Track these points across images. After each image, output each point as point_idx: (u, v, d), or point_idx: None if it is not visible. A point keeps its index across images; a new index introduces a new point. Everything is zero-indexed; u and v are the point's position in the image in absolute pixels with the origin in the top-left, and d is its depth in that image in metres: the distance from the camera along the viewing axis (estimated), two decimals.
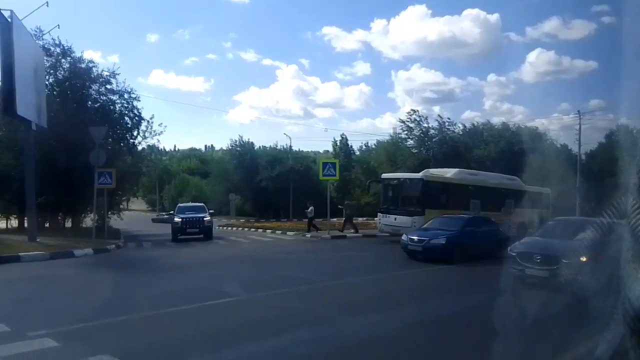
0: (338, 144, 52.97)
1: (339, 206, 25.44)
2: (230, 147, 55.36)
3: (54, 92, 22.01)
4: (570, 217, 12.63)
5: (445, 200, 19.39)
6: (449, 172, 21.51)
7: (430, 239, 13.67)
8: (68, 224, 25.17)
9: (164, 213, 55.27)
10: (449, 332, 6.68)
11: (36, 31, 20.83)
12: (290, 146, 53.81)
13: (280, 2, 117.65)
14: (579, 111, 37.58)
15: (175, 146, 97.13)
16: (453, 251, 13.39)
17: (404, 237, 14.47)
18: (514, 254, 10.00)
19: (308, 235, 22.21)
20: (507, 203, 22.26)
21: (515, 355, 5.73)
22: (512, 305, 7.12)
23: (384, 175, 22.17)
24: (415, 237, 13.97)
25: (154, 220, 45.73)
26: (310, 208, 23.82)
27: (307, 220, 24.21)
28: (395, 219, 18.93)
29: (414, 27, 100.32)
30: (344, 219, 24.30)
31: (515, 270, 9.73)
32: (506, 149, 38.76)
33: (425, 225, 15.46)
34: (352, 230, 23.32)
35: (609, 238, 7.69)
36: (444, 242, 13.43)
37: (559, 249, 9.23)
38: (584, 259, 8.06)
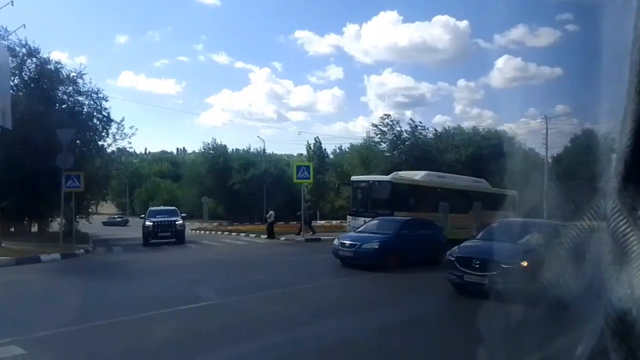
0: (312, 147, 53.05)
1: (297, 213, 24.98)
2: (202, 150, 54.83)
3: (20, 93, 21.39)
4: (514, 219, 12.47)
5: (414, 202, 19.29)
6: (417, 175, 21.56)
7: (361, 244, 12.61)
8: (34, 228, 24.48)
9: (115, 215, 54.08)
10: None
11: (1, 31, 20.25)
12: (264, 149, 53.61)
13: (252, 5, 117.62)
14: (545, 116, 38.59)
15: (146, 149, 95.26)
16: (387, 257, 12.37)
17: (335, 241, 13.50)
18: (452, 258, 9.32)
19: (281, 238, 22.27)
20: (475, 205, 22.35)
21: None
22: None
23: (354, 178, 22.08)
24: (346, 242, 12.99)
25: (104, 224, 44.62)
26: (270, 212, 24.07)
27: (266, 224, 24.22)
28: (364, 221, 18.60)
29: (385, 33, 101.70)
30: (301, 222, 24.25)
31: (453, 276, 9.19)
32: (476, 152, 39.56)
33: (360, 228, 14.70)
34: (310, 233, 23.43)
35: (553, 241, 7.94)
36: (376, 247, 12.43)
37: (499, 253, 8.83)
38: (524, 263, 8.13)
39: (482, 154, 39.24)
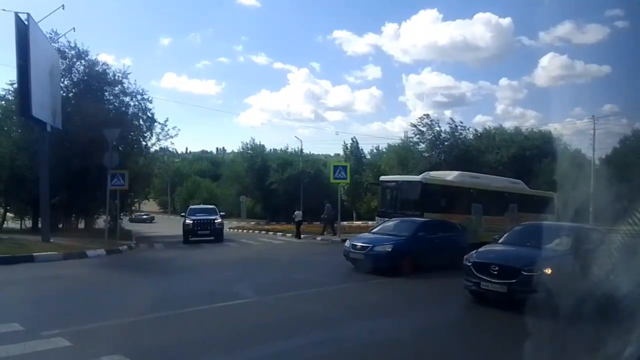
0: (349, 147, 52.84)
1: (295, 213, 25.00)
2: (241, 150, 55.57)
3: (69, 95, 22.28)
4: (541, 222, 11.53)
5: (445, 203, 18.66)
6: (449, 175, 20.91)
7: (373, 246, 11.77)
8: (81, 225, 25.42)
9: (142, 213, 54.66)
10: None
11: (52, 34, 21.13)
12: (301, 149, 53.93)
13: (291, 6, 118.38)
14: (593, 116, 37.19)
15: (187, 148, 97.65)
16: (401, 260, 11.57)
17: (347, 242, 12.79)
18: (469, 264, 8.52)
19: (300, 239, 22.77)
20: (511, 207, 21.46)
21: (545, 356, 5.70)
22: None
23: (383, 178, 21.41)
24: (358, 244, 12.13)
25: (131, 221, 45.35)
26: (296, 212, 24.32)
27: (294, 224, 24.48)
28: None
29: (425, 31, 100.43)
30: (323, 223, 24.63)
31: (469, 283, 8.42)
32: (518, 153, 38.49)
33: (374, 229, 13.97)
34: (332, 234, 23.58)
35: (582, 247, 7.47)
36: (389, 250, 11.57)
37: (520, 259, 8.14)
38: (547, 271, 7.61)
39: (525, 154, 38.17)
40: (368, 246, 11.81)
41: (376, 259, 11.56)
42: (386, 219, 17.01)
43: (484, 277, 8.08)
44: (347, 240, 13.04)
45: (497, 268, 7.99)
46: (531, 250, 8.57)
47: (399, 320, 7.55)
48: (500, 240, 9.78)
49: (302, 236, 23.35)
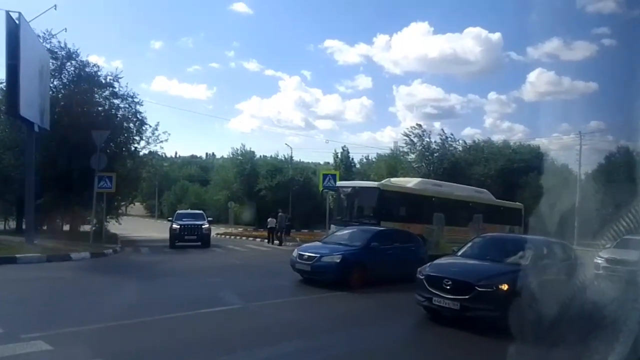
0: (339, 155, 53.03)
1: (268, 220, 25.19)
2: (231, 156, 55.48)
3: (58, 95, 22.12)
4: (504, 234, 11.25)
5: (404, 212, 17.83)
6: (410, 182, 20.19)
7: (321, 256, 10.85)
8: (66, 227, 25.12)
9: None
10: None
11: (45, 34, 21.01)
12: (291, 156, 53.90)
13: (284, 14, 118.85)
14: (580, 132, 37.70)
15: (176, 153, 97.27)
16: (350, 273, 10.67)
17: (294, 252, 11.78)
18: (421, 277, 7.87)
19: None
20: (475, 217, 20.77)
21: None
22: None
23: (339, 183, 20.23)
24: (305, 253, 11.18)
25: None
26: (270, 219, 24.80)
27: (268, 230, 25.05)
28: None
29: (415, 44, 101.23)
30: (278, 231, 24.67)
31: (422, 298, 7.77)
32: (506, 166, 38.88)
33: (325, 238, 13.15)
34: (277, 242, 23.82)
35: (544, 261, 7.49)
36: (338, 261, 10.64)
37: (475, 273, 7.61)
38: (503, 287, 7.16)
39: (513, 167, 38.55)
40: (315, 256, 10.92)
41: (323, 270, 10.70)
42: (340, 227, 16.17)
43: (436, 292, 7.47)
44: (295, 250, 12.01)
45: (450, 282, 7.38)
46: (490, 265, 8.11)
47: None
48: (459, 253, 9.19)
49: (276, 242, 23.88)
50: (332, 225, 18.00)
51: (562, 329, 6.62)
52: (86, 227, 23.34)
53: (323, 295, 10.02)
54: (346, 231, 13.00)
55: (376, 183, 19.05)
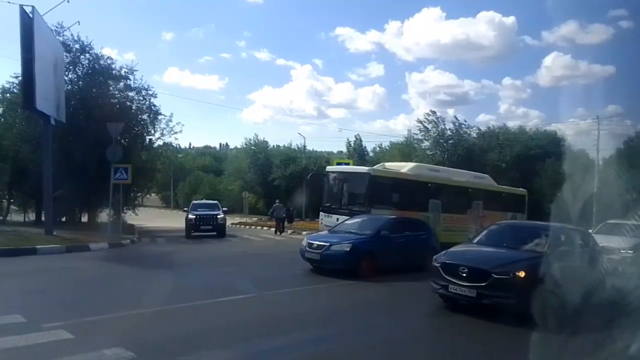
0: (352, 144, 52.76)
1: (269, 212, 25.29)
2: (244, 146, 55.56)
3: (74, 88, 22.30)
4: (520, 221, 11.00)
5: (397, 198, 16.92)
6: (404, 167, 19.18)
7: (330, 245, 10.80)
8: (84, 218, 25.48)
9: None
10: None
11: (57, 27, 21.15)
12: (304, 146, 53.75)
13: (294, 2, 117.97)
14: (597, 116, 36.99)
15: (190, 144, 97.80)
16: (360, 262, 10.65)
17: (304, 241, 11.83)
18: (437, 265, 7.91)
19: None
20: (475, 204, 19.97)
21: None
22: None
23: (329, 168, 19.24)
24: (314, 242, 11.18)
25: None
26: (275, 206, 24.94)
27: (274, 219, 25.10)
28: (337, 219, 15.51)
29: (428, 30, 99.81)
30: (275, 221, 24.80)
31: (437, 286, 7.81)
32: (522, 153, 38.36)
33: (335, 227, 12.90)
34: (278, 233, 23.93)
35: (562, 248, 7.36)
36: (347, 250, 10.63)
37: (492, 260, 7.55)
38: (520, 274, 7.10)
39: (529, 154, 38.01)
40: (325, 245, 10.88)
41: (333, 259, 10.71)
42: (332, 215, 16.00)
43: (452, 280, 7.48)
44: (305, 238, 12.06)
45: (466, 270, 7.38)
46: (506, 252, 8.07)
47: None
48: (474, 240, 9.23)
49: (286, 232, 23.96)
50: (320, 214, 17.41)
51: (581, 316, 6.54)
52: (103, 218, 23.67)
53: (334, 284, 10.01)
54: (356, 220, 12.80)
55: (366, 168, 18.08)
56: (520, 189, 24.52)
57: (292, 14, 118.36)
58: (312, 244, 11.16)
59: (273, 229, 25.16)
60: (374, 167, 18.75)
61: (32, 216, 27.83)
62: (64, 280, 9.62)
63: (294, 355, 5.56)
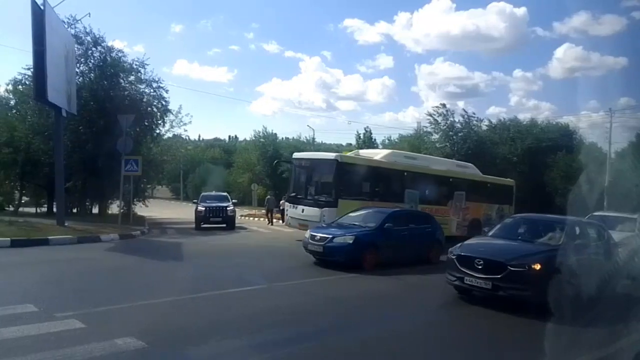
0: (362, 137, 52.58)
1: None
2: (253, 138, 55.67)
3: (85, 80, 22.40)
4: (535, 215, 10.47)
5: (369, 188, 15.95)
6: (378, 154, 17.81)
7: (333, 237, 10.75)
8: (95, 209, 25.69)
9: None
10: None
11: (69, 19, 21.19)
12: (313, 138, 53.74)
13: None
14: (610, 109, 36.52)
15: (199, 136, 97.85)
16: (363, 254, 10.63)
17: (307, 233, 11.74)
18: (453, 257, 8.10)
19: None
20: (457, 195, 18.89)
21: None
22: None
23: (296, 155, 17.97)
24: (317, 234, 11.11)
25: None
26: (268, 198, 25.77)
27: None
28: (302, 210, 15.18)
29: (437, 21, 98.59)
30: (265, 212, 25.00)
31: (453, 278, 7.98)
32: (533, 145, 37.98)
33: (340, 219, 12.58)
34: (269, 224, 24.04)
35: (577, 241, 7.38)
36: (350, 242, 10.60)
37: (507, 253, 7.67)
38: (535, 266, 7.20)
39: (540, 147, 37.63)
40: (328, 237, 10.81)
41: (336, 251, 10.65)
42: (297, 206, 15.34)
43: (468, 272, 7.64)
44: (308, 231, 11.94)
45: (481, 262, 7.53)
46: (521, 245, 8.30)
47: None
48: (490, 233, 9.42)
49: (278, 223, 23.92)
50: (285, 204, 16.53)
51: (597, 308, 6.56)
52: (114, 210, 23.85)
53: (338, 277, 10.01)
54: (361, 212, 12.55)
55: (334, 154, 16.66)
56: (508, 179, 23.49)
57: (300, 5, 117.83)
58: (315, 236, 11.11)
59: (280, 221, 25.27)
60: (341, 153, 17.48)
61: (44, 207, 28.09)
62: (76, 270, 9.72)
63: (304, 346, 5.58)
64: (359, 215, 12.26)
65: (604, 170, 29.93)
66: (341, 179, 14.98)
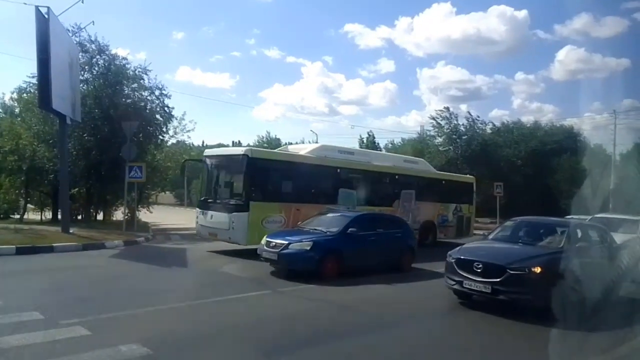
0: (365, 141, 52.69)
1: None
2: (257, 144, 55.84)
3: (89, 88, 22.52)
4: (535, 217, 10.23)
5: (291, 188, 13.82)
6: (304, 149, 15.70)
7: (289, 243, 9.78)
8: (99, 216, 25.77)
9: None
10: None
11: (73, 27, 21.34)
12: (317, 143, 53.88)
13: (302, 0, 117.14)
14: (614, 110, 36.43)
15: (203, 142, 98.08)
16: (323, 262, 9.69)
17: (263, 239, 10.59)
18: (452, 260, 7.94)
19: None
20: (405, 194, 16.92)
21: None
22: None
23: (206, 152, 15.49)
24: (273, 240, 10.15)
25: None
26: None
27: None
28: (211, 216, 13.37)
29: (438, 25, 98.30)
30: None
31: (452, 282, 7.81)
32: (538, 148, 37.93)
33: (302, 224, 11.62)
34: None
35: (579, 244, 7.30)
36: (308, 249, 9.67)
37: (507, 256, 7.53)
38: (536, 269, 7.06)
39: (544, 149, 37.57)
40: (283, 243, 9.85)
41: (292, 259, 9.71)
42: (207, 212, 13.50)
43: (467, 276, 7.50)
44: (265, 237, 10.75)
45: (480, 265, 7.38)
46: (522, 248, 8.17)
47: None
48: (490, 237, 9.23)
49: None
50: (197, 210, 14.54)
51: (599, 312, 6.47)
52: (118, 216, 23.90)
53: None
54: (325, 216, 11.63)
55: (243, 148, 14.77)
56: (468, 176, 21.99)
57: (300, 11, 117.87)
58: (271, 242, 10.16)
59: None
60: (253, 147, 15.85)
61: (48, 214, 28.19)
62: (81, 277, 9.73)
63: (308, 351, 5.57)
64: (323, 219, 11.42)
65: (609, 173, 29.79)
66: (253, 178, 12.79)
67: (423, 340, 6.35)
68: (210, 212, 13.44)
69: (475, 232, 20.36)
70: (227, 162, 14.08)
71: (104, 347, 5.06)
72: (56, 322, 5.87)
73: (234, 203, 12.82)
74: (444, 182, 19.38)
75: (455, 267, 7.76)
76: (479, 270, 7.37)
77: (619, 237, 11.04)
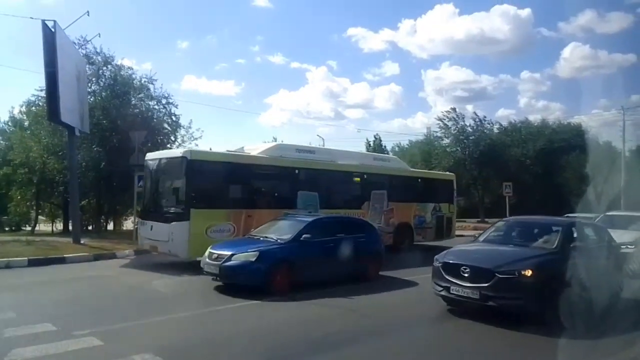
0: (371, 144, 52.59)
1: None
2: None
3: (97, 99, 22.74)
4: (529, 217, 9.78)
5: (241, 193, 12.63)
6: (258, 149, 13.96)
7: (232, 254, 8.70)
8: (110, 226, 25.94)
9: None
10: None
11: (80, 40, 21.61)
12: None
13: (304, 5, 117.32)
14: (622, 107, 36.13)
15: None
16: (272, 274, 8.59)
17: (206, 251, 9.44)
18: (438, 265, 7.46)
19: None
20: (375, 195, 15.51)
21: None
22: None
23: (147, 156, 13.69)
24: (216, 252, 9.03)
25: None
26: None
27: None
28: (151, 227, 12.19)
29: (441, 26, 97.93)
30: None
31: (439, 288, 7.32)
32: (546, 147, 37.70)
33: (253, 232, 10.54)
34: None
35: (573, 244, 7.05)
36: (253, 260, 8.59)
37: (495, 259, 7.05)
38: (526, 272, 6.61)
39: (553, 148, 37.32)
40: (226, 254, 8.77)
41: (235, 272, 8.60)
42: (146, 222, 12.41)
43: (454, 281, 7.03)
44: (210, 248, 9.53)
45: (467, 270, 6.93)
46: (512, 250, 7.58)
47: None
48: (480, 239, 8.62)
49: None
50: (137, 220, 13.32)
51: (599, 315, 6.18)
52: (129, 226, 24.04)
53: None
54: (277, 223, 10.48)
55: (182, 150, 13.65)
56: (448, 173, 20.90)
57: (303, 16, 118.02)
58: (213, 253, 9.09)
59: None
60: (192, 149, 14.53)
61: (59, 226, 28.44)
62: (93, 288, 9.78)
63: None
64: (276, 226, 10.29)
65: (619, 169, 29.52)
66: (195, 182, 11.43)
67: None
68: (150, 223, 12.32)
69: (469, 233, 19.91)
70: (166, 166, 12.60)
71: (117, 357, 5.09)
72: (69, 333, 5.91)
73: (173, 212, 11.58)
74: (420, 180, 18.16)
75: (442, 272, 7.29)
76: (466, 275, 6.95)
77: (630, 235, 10.82)
